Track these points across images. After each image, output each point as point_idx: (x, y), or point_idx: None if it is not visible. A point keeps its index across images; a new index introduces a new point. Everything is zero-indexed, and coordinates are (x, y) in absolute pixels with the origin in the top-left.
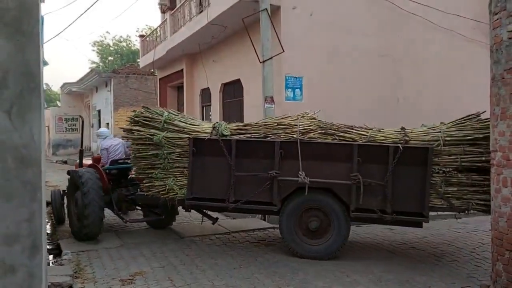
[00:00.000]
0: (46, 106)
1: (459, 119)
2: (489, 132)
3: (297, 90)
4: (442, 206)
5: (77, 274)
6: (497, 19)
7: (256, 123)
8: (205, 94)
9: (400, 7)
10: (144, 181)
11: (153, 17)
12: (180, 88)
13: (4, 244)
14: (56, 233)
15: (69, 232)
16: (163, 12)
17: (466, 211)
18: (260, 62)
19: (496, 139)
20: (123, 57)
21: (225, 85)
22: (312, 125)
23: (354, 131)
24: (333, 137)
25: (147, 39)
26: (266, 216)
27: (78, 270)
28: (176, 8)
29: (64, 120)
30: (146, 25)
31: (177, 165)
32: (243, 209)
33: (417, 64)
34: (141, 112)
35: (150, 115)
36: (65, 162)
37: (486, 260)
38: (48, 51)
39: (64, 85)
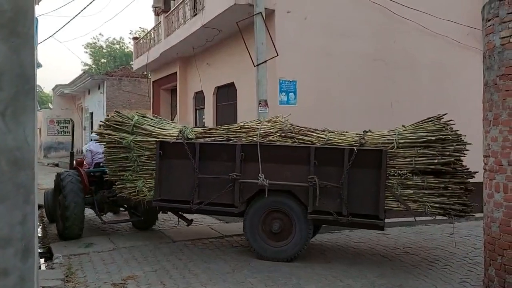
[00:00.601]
0: (39, 108)
1: (419, 121)
2: (441, 135)
3: (291, 94)
4: (399, 208)
5: (68, 278)
6: (490, 25)
7: (221, 127)
8: (199, 97)
9: (394, 12)
10: (117, 183)
11: (147, 20)
12: (173, 91)
13: None
14: (47, 237)
15: None
16: (157, 14)
17: (422, 214)
18: (254, 66)
19: (489, 144)
20: (116, 59)
21: (219, 88)
22: (272, 128)
23: (314, 134)
24: (293, 140)
25: (141, 41)
26: None
27: (69, 274)
28: (170, 11)
29: (56, 123)
30: (140, 27)
31: (146, 167)
32: (206, 210)
33: (411, 68)
34: (113, 117)
35: (121, 119)
36: (57, 165)
37: (479, 265)
38: (40, 52)
39: (56, 87)
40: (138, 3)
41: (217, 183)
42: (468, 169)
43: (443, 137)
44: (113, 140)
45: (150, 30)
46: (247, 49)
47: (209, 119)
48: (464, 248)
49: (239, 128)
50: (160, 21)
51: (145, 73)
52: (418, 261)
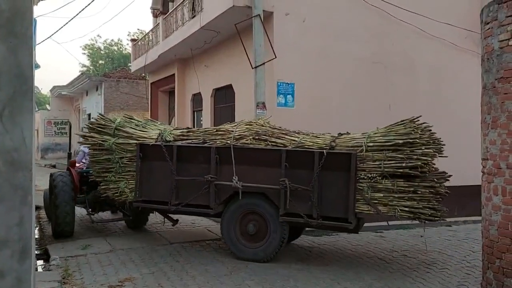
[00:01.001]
0: (36, 109)
1: (392, 124)
2: (410, 138)
3: (289, 96)
4: (369, 212)
5: (65, 280)
6: (489, 28)
7: (198, 129)
8: (197, 99)
9: (392, 15)
10: (101, 184)
11: (145, 21)
12: (171, 93)
13: None
14: (44, 238)
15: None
16: (155, 16)
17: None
18: (252, 68)
19: (487, 147)
20: (114, 61)
21: (217, 90)
22: (247, 131)
23: (287, 136)
24: (266, 142)
25: (139, 43)
26: None
27: (66, 275)
28: (168, 13)
29: (53, 124)
30: (138, 29)
31: (128, 169)
32: (184, 211)
33: (409, 71)
34: (96, 120)
35: (104, 122)
36: (54, 166)
37: (477, 268)
38: (39, 53)
39: (54, 88)
40: (136, 5)
41: (193, 185)
42: (442, 172)
43: (411, 140)
44: (96, 142)
45: (148, 32)
46: (245, 51)
47: (207, 121)
48: (462, 251)
49: (215, 130)
50: (159, 23)
51: (143, 74)
52: (416, 264)
